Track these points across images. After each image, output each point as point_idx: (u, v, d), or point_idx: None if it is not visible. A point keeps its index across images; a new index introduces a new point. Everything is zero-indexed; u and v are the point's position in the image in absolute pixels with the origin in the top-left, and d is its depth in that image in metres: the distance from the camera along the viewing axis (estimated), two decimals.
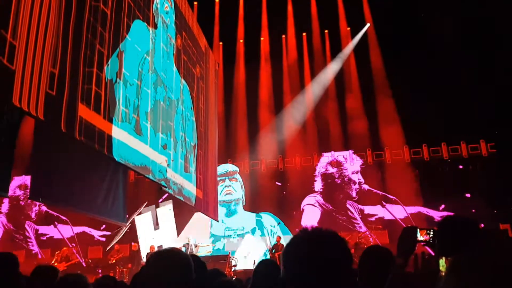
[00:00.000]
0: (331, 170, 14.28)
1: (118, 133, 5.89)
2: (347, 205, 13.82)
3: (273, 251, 11.67)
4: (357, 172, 14.07)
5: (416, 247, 2.14)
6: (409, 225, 2.16)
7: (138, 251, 12.15)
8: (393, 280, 1.98)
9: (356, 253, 11.31)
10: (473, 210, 12.41)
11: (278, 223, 13.92)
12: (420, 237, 2.04)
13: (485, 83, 11.97)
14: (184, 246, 11.34)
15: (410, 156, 14.09)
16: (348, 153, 14.28)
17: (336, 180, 14.18)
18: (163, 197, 14.23)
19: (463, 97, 12.30)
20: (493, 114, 12.22)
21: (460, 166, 13.65)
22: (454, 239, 2.13)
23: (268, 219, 14.26)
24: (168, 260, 1.73)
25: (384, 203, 13.47)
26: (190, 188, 9.04)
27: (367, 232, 13.04)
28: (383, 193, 13.61)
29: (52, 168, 5.85)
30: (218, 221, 11.93)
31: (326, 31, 15.65)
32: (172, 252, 1.79)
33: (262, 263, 2.91)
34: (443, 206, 13.10)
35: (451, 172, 13.66)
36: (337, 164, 14.26)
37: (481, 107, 12.10)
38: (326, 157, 14.46)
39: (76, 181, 6.80)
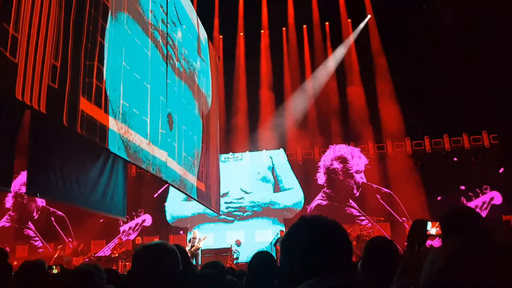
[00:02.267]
0: (336, 165, 14.24)
1: (120, 128, 5.85)
2: (350, 200, 13.81)
3: (278, 244, 11.70)
4: (361, 172, 14.04)
5: (427, 240, 2.13)
6: (420, 218, 2.14)
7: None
8: (402, 271, 1.97)
9: (358, 245, 11.31)
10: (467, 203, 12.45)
11: None
12: (431, 230, 2.03)
13: (488, 73, 11.89)
14: (189, 240, 11.37)
15: (412, 148, 14.06)
16: (356, 150, 14.24)
17: (339, 176, 14.16)
18: (159, 191, 14.24)
19: (465, 88, 12.23)
20: (495, 105, 12.17)
21: (455, 159, 13.62)
22: (456, 230, 2.12)
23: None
24: (155, 253, 1.75)
25: (379, 196, 13.47)
26: (193, 181, 9.03)
27: (369, 225, 13.06)
28: (378, 186, 13.60)
29: (49, 162, 5.82)
30: (220, 215, 11.94)
31: (326, 23, 15.55)
32: (159, 245, 1.80)
33: (258, 255, 2.88)
34: (439, 198, 13.12)
35: (452, 164, 13.65)
36: (343, 160, 14.23)
37: (483, 98, 12.03)
38: (332, 150, 14.41)
39: (74, 175, 6.77)
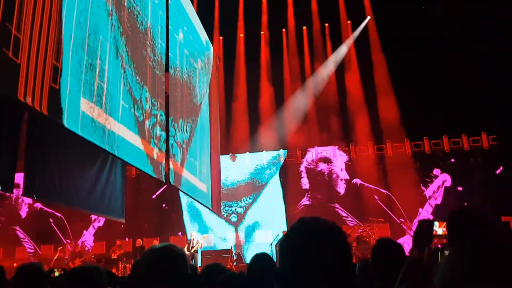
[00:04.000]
0: (321, 167, 14.25)
1: (119, 129, 5.83)
2: (336, 203, 13.80)
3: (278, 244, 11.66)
4: (341, 170, 14.06)
5: (433, 240, 2.11)
6: (427, 218, 2.12)
7: (142, 247, 12.13)
8: (406, 273, 1.96)
9: (358, 247, 11.31)
10: (465, 204, 12.47)
11: None
12: (438, 230, 2.01)
13: (487, 75, 11.91)
14: (187, 242, 11.34)
15: (411, 149, 14.07)
16: (332, 149, 14.29)
17: (325, 177, 14.15)
18: (157, 193, 14.22)
19: (464, 89, 12.24)
20: (495, 106, 12.18)
21: (452, 160, 13.65)
22: (462, 231, 2.11)
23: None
24: (162, 256, 1.71)
25: (377, 197, 13.49)
26: (195, 182, 9.01)
27: (369, 226, 13.05)
28: (376, 188, 13.61)
29: (46, 164, 5.78)
30: (221, 216, 11.92)
31: (326, 24, 15.57)
32: (166, 248, 1.76)
33: (257, 257, 2.85)
34: (437, 199, 13.16)
35: (450, 165, 13.67)
36: (326, 160, 14.25)
37: (482, 99, 12.05)
38: (311, 152, 14.44)
39: (71, 177, 6.74)
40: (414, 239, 2.05)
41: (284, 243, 1.17)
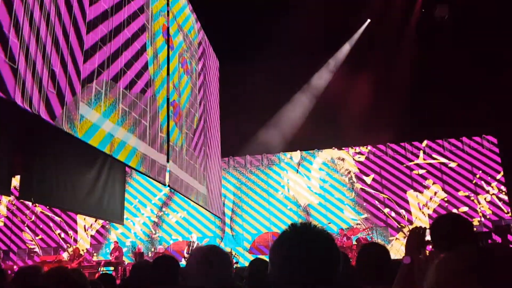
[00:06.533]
0: (330, 168, 14.28)
1: (119, 131, 5.84)
2: (349, 203, 13.82)
3: None
4: (348, 173, 14.07)
5: (426, 247, 2.12)
6: (418, 226, 2.14)
7: (142, 254, 12.14)
8: (399, 280, 1.96)
9: (358, 249, 11.32)
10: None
11: None
12: (430, 237, 2.03)
13: (488, 75, 11.87)
14: (187, 244, 11.35)
15: (412, 151, 14.04)
16: (333, 151, 14.35)
17: (338, 177, 14.18)
18: (158, 194, 14.23)
19: (464, 90, 12.22)
20: (495, 108, 12.15)
21: (453, 161, 13.67)
22: (446, 237, 2.13)
23: None
24: (212, 256, 1.87)
25: (377, 201, 13.51)
26: (195, 184, 8.99)
27: (369, 229, 13.05)
28: (377, 191, 13.61)
29: (44, 166, 5.78)
30: (221, 219, 11.91)
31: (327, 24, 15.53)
32: (214, 247, 1.95)
33: (257, 261, 2.86)
34: (440, 201, 13.19)
35: (450, 166, 13.68)
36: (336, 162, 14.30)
37: (482, 100, 12.01)
38: (326, 153, 14.48)
39: (69, 180, 6.74)
40: (407, 246, 2.06)
41: (275, 248, 1.19)
